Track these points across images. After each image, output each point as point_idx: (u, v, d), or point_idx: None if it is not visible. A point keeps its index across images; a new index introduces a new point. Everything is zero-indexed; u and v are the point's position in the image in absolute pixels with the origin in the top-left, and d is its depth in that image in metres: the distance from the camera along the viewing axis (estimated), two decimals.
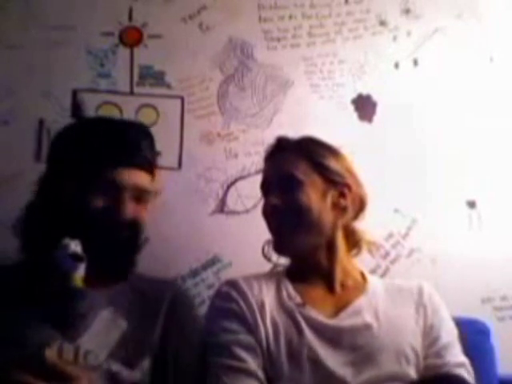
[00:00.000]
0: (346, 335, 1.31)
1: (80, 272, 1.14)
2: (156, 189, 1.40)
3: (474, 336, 1.57)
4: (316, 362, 1.28)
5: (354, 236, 1.48)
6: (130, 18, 1.88)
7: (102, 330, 1.24)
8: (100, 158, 1.29)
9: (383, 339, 1.31)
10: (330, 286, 1.41)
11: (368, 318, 1.34)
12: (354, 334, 1.31)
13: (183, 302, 1.38)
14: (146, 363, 1.26)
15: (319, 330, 1.32)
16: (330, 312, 1.36)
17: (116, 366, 1.23)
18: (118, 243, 1.29)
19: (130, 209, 1.29)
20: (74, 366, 1.07)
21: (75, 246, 1.15)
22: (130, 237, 1.32)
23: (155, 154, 1.40)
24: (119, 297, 1.31)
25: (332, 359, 1.29)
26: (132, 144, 1.32)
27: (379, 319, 1.34)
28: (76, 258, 1.14)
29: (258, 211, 1.75)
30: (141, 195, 1.32)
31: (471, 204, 1.84)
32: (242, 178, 1.85)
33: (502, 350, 1.62)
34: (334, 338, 1.31)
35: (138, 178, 1.31)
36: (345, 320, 1.34)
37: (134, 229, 1.32)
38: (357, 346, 1.30)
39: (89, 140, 1.31)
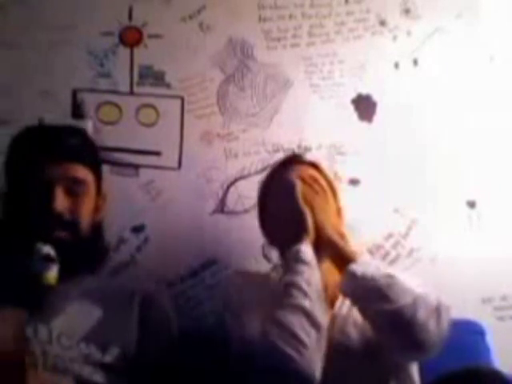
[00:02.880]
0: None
1: (53, 272, 1.27)
2: (91, 180, 1.42)
3: (469, 337, 1.57)
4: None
5: None
6: (130, 17, 1.88)
7: (75, 316, 1.33)
8: (28, 159, 1.39)
9: None
10: None
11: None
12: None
13: (154, 302, 1.42)
14: (116, 349, 1.32)
15: None
16: None
17: (88, 349, 1.30)
18: (56, 236, 1.33)
19: (60, 201, 1.34)
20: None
21: (48, 250, 1.27)
22: (70, 232, 1.36)
23: (90, 148, 1.47)
24: (92, 289, 1.38)
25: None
26: (57, 140, 1.40)
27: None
28: (48, 259, 1.27)
29: None
30: (74, 187, 1.38)
31: (471, 204, 1.84)
32: (242, 177, 1.84)
33: (502, 349, 1.63)
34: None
35: (66, 169, 1.37)
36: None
37: (71, 226, 1.36)
38: None
39: (20, 147, 1.44)
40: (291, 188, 1.47)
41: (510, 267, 1.79)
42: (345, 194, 1.75)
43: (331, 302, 1.45)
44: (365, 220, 1.78)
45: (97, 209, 1.46)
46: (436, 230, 1.82)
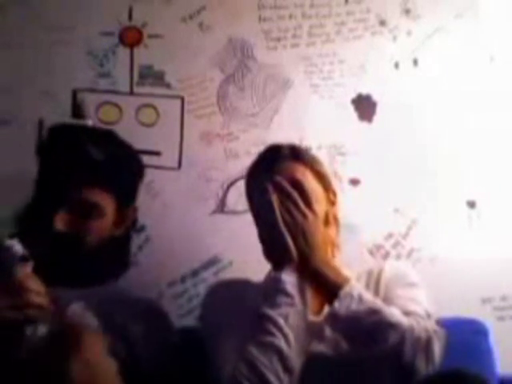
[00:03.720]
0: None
1: (29, 271, 1.20)
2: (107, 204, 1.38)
3: (472, 336, 1.57)
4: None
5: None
6: (130, 17, 1.88)
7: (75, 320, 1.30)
8: (46, 170, 1.37)
9: None
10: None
11: None
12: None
13: (156, 311, 1.41)
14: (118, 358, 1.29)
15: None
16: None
17: None
18: (53, 251, 1.29)
19: (60, 220, 1.31)
20: (41, 297, 1.16)
21: (19, 247, 1.20)
22: (70, 247, 1.32)
23: (117, 163, 1.39)
24: (94, 297, 1.35)
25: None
26: (79, 159, 1.34)
27: None
28: (23, 259, 1.20)
29: None
30: (85, 208, 1.34)
31: (471, 204, 1.84)
32: (242, 178, 1.84)
33: (501, 349, 1.62)
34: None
35: (80, 193, 1.33)
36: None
37: (71, 241, 1.32)
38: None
39: (48, 153, 1.40)
40: (269, 207, 1.34)
41: (510, 267, 1.79)
42: (345, 194, 1.76)
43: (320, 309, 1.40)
44: (365, 220, 1.78)
45: (117, 223, 1.41)
46: (436, 230, 1.82)
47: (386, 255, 1.82)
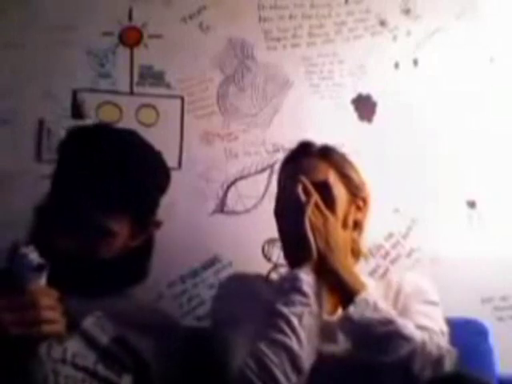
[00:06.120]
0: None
1: (43, 280, 1.13)
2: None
3: (471, 337, 1.57)
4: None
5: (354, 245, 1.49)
6: (130, 17, 1.88)
7: (90, 337, 1.26)
8: (58, 192, 1.30)
9: None
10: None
11: None
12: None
13: (169, 333, 1.36)
14: (131, 373, 1.28)
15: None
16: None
17: (104, 371, 1.25)
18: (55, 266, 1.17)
19: (69, 239, 1.25)
20: (54, 311, 1.09)
21: (35, 255, 1.13)
22: (78, 263, 1.26)
23: (137, 190, 1.31)
24: (108, 310, 1.31)
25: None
26: (93, 191, 1.26)
27: None
28: (38, 268, 1.13)
29: (258, 211, 1.76)
30: (98, 232, 1.28)
31: (471, 204, 1.84)
32: (242, 177, 1.85)
33: (501, 349, 1.62)
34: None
35: (91, 221, 1.26)
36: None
37: (79, 258, 1.26)
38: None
39: (63, 170, 1.32)
40: (299, 210, 1.36)
41: (510, 267, 1.79)
42: None
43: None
44: None
45: (133, 236, 1.36)
46: (436, 230, 1.82)
47: (386, 255, 1.82)
